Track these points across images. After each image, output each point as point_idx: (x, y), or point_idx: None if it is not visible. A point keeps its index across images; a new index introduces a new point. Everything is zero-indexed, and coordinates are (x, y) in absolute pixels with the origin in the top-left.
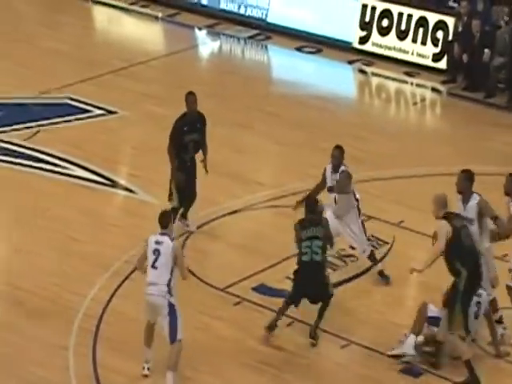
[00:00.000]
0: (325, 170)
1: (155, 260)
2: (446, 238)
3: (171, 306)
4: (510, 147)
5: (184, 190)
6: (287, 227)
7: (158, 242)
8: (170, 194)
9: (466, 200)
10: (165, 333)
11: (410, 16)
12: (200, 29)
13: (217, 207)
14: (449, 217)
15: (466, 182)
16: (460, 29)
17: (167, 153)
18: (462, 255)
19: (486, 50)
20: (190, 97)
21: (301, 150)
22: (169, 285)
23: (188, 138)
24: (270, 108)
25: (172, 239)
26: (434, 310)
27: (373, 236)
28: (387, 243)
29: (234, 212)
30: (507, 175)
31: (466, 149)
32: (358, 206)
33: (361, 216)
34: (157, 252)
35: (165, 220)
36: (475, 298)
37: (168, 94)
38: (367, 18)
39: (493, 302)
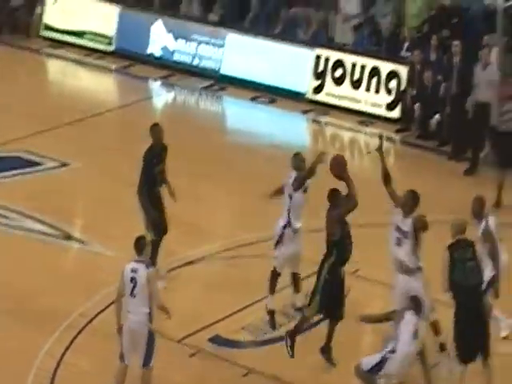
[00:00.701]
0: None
1: (133, 288)
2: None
3: (151, 335)
4: (463, 195)
5: (159, 224)
6: (241, 278)
7: (133, 270)
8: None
9: (406, 215)
10: (138, 356)
11: (363, 66)
12: (154, 80)
13: (172, 258)
14: (452, 246)
15: (410, 201)
16: (413, 78)
17: (138, 192)
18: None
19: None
20: (156, 128)
21: (255, 200)
22: (149, 313)
23: (157, 169)
24: (225, 158)
25: (148, 266)
26: (368, 362)
27: None
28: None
29: (190, 263)
30: (474, 198)
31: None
32: None
33: None
34: (134, 280)
35: (140, 245)
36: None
37: (122, 145)
38: (321, 68)
39: (435, 324)
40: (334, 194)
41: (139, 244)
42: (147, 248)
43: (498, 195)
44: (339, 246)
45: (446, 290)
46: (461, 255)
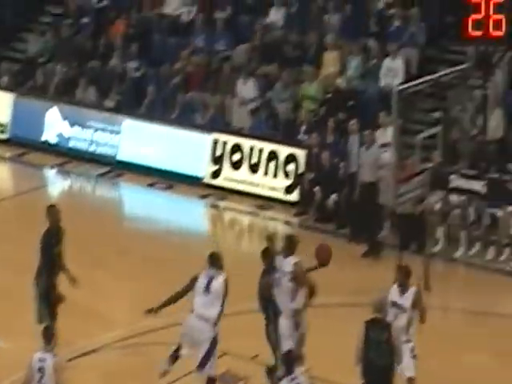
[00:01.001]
0: None
1: (40, 378)
2: None
3: None
4: (360, 277)
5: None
6: (143, 366)
7: (41, 360)
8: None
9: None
10: None
11: (260, 150)
12: (50, 168)
13: (70, 348)
14: (367, 323)
15: (289, 244)
16: (310, 161)
17: (35, 277)
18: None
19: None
20: (52, 209)
21: (154, 287)
22: None
23: (55, 251)
24: (122, 245)
25: (55, 355)
26: None
27: (227, 373)
28: (241, 380)
29: (90, 352)
30: (397, 267)
31: (318, 280)
32: None
33: None
34: (41, 370)
35: (47, 334)
36: None
37: (18, 234)
38: (218, 153)
39: None
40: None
41: (47, 333)
42: (55, 337)
43: (426, 279)
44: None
45: (357, 364)
46: (376, 336)
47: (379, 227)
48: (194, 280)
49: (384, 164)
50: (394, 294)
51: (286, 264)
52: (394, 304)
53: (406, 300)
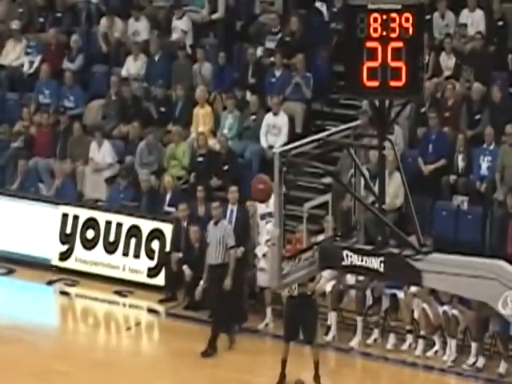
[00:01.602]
0: None
1: None
2: None
3: None
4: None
5: None
6: None
7: None
8: None
9: None
10: None
11: (119, 225)
12: None
13: None
14: None
15: None
16: (178, 237)
17: None
18: None
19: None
20: None
21: None
22: None
23: None
24: None
25: None
26: None
27: None
28: None
29: None
30: None
31: (192, 377)
32: None
33: None
34: None
35: None
36: None
37: None
38: (68, 230)
39: None
40: None
41: None
42: None
43: (316, 373)
44: None
45: None
46: None
47: (236, 316)
48: None
49: (267, 238)
50: None
51: None
52: None
53: None
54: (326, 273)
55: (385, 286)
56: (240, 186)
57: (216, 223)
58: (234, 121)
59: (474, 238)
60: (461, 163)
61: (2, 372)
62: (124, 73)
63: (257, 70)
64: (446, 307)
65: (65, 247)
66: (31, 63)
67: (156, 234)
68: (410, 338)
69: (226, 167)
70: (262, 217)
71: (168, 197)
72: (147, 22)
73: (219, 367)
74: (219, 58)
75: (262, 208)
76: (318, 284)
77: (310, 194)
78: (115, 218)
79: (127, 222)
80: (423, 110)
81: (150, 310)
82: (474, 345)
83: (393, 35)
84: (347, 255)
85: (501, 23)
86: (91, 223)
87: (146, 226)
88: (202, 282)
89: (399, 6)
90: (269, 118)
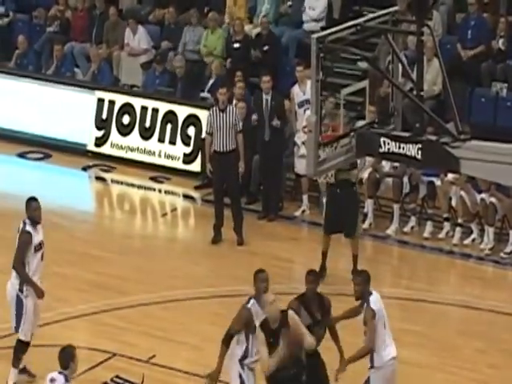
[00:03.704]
0: None
1: None
2: None
3: None
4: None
5: None
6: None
7: (51, 380)
8: None
9: None
10: None
11: (155, 110)
12: None
13: None
14: None
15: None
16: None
17: None
18: None
19: None
20: None
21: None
22: None
23: None
24: None
25: (67, 380)
26: None
27: (118, 377)
28: None
29: None
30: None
31: (228, 263)
32: None
33: None
34: None
35: (64, 358)
36: None
37: None
38: (104, 115)
39: None
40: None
41: (64, 356)
42: (74, 362)
43: (354, 260)
44: None
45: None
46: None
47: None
48: None
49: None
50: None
51: None
52: None
53: None
54: (363, 160)
55: (422, 173)
56: (276, 72)
57: (223, 110)
58: (270, 6)
59: None
60: (501, 47)
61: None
62: None
63: None
64: (483, 195)
65: (100, 132)
66: None
67: (192, 119)
68: (447, 225)
69: (265, 48)
70: (300, 104)
71: (211, 82)
72: None
73: (256, 254)
74: None
75: (299, 95)
76: (360, 171)
77: (348, 80)
78: (151, 104)
79: (163, 107)
80: None
81: (186, 196)
82: (511, 233)
83: None
84: (384, 142)
85: None
86: (127, 108)
87: (182, 111)
88: (241, 165)
89: None
90: (309, 1)
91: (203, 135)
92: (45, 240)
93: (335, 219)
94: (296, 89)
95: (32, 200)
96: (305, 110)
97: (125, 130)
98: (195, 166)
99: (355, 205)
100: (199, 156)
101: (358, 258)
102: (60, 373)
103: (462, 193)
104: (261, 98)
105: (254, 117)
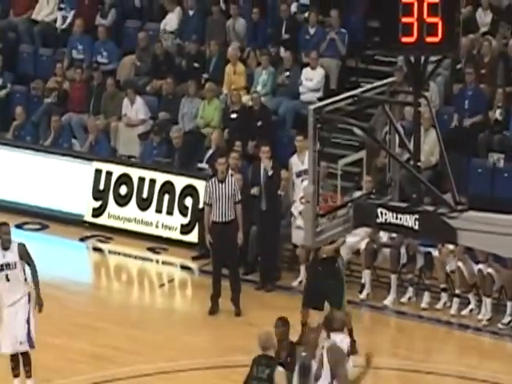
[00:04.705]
0: None
1: None
2: None
3: None
4: None
5: None
6: None
7: None
8: None
9: None
10: None
11: (152, 181)
12: None
13: None
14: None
15: None
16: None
17: None
18: None
19: None
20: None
21: None
22: None
23: None
24: None
25: None
26: None
27: None
28: None
29: None
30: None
31: (225, 334)
32: None
33: None
34: None
35: None
36: None
37: None
38: (101, 186)
39: None
40: None
41: None
42: None
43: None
44: None
45: None
46: (259, 372)
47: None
48: None
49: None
50: None
51: None
52: None
53: None
54: (360, 230)
55: (419, 243)
56: (273, 143)
57: (222, 181)
58: (267, 77)
59: (510, 196)
60: (498, 118)
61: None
62: (158, 27)
63: (291, 26)
64: (481, 266)
65: (98, 203)
66: (64, 18)
67: (189, 190)
68: (444, 296)
69: (259, 123)
70: (298, 174)
71: (209, 152)
72: None
73: (252, 325)
74: (253, 13)
75: (297, 165)
76: (336, 246)
77: (345, 150)
78: (149, 175)
79: (160, 178)
80: (459, 66)
81: (184, 267)
82: (509, 304)
83: None
84: (382, 212)
85: None
86: (124, 179)
87: (180, 182)
88: (239, 235)
89: None
90: (306, 73)
91: (201, 206)
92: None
93: (315, 294)
94: (294, 159)
95: (2, 225)
96: (302, 181)
97: (122, 201)
98: (192, 237)
99: (338, 280)
100: (196, 226)
101: (352, 331)
102: None
103: (460, 263)
104: (259, 168)
105: (255, 189)
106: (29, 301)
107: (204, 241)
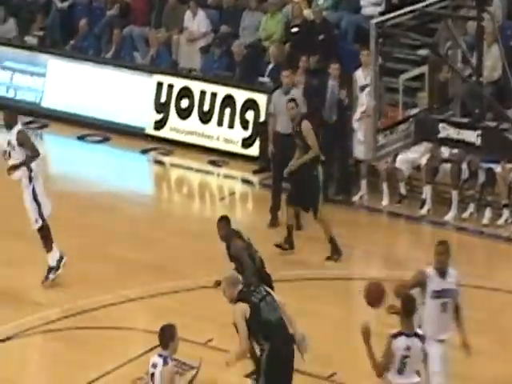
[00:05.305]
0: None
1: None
2: (244, 321)
3: None
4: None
5: None
6: (65, 354)
7: (154, 365)
8: None
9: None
10: None
11: (214, 95)
12: None
13: None
14: (244, 295)
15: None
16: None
17: None
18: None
19: None
20: None
21: (87, 258)
22: None
23: None
24: None
25: (166, 361)
26: None
27: (174, 359)
28: (193, 367)
29: (4, 340)
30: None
31: (284, 255)
32: None
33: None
34: (153, 377)
35: (164, 337)
36: None
37: None
38: (163, 99)
39: None
40: None
41: (162, 336)
42: (174, 342)
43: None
44: None
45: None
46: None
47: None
48: None
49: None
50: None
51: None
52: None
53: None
54: (421, 146)
55: (481, 159)
56: (339, 59)
57: (286, 92)
58: None
59: None
60: None
61: (97, 238)
62: None
63: None
64: None
65: (159, 116)
66: None
67: (250, 104)
68: (506, 212)
69: (321, 37)
70: (362, 88)
71: (270, 66)
72: None
73: (313, 239)
74: None
75: (361, 80)
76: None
77: (406, 65)
78: (210, 88)
79: (222, 91)
80: None
81: (244, 181)
82: None
83: None
84: (443, 128)
85: None
86: (186, 92)
87: (241, 95)
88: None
89: None
90: None
91: (261, 119)
92: None
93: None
94: (359, 72)
95: None
96: (365, 95)
97: (183, 114)
98: (253, 150)
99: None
100: (257, 140)
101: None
102: (160, 356)
103: None
104: (325, 83)
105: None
106: (30, 182)
107: (265, 154)
